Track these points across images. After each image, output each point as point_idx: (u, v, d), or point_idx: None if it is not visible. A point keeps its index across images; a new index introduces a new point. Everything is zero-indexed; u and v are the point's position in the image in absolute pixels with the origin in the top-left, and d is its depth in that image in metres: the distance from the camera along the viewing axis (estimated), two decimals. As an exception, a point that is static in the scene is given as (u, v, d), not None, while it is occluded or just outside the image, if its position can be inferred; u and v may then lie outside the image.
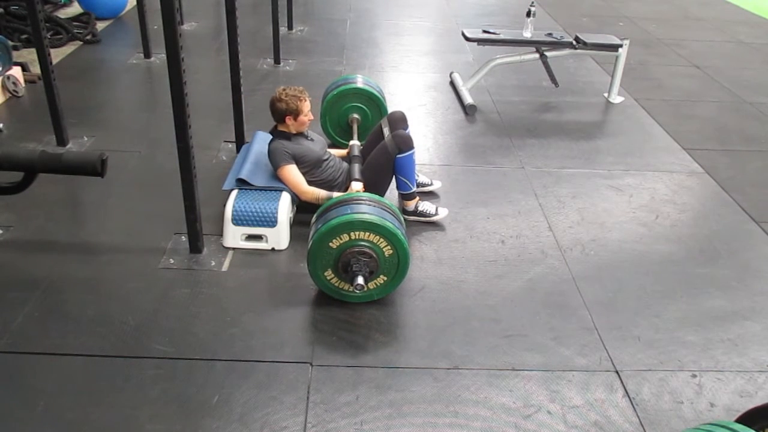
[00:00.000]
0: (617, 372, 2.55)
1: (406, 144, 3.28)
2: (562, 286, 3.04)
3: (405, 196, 3.41)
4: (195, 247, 3.09)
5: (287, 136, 3.30)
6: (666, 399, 2.44)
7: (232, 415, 2.25)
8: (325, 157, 3.38)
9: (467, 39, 5.11)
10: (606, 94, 5.41)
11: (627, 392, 2.46)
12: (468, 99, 5.00)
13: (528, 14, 4.94)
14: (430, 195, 3.74)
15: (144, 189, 3.67)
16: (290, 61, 5.86)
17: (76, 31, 6.05)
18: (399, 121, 3.57)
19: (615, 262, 3.24)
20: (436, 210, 3.45)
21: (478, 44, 5.16)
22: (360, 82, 4.02)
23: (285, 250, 3.17)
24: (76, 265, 2.99)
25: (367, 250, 2.69)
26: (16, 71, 4.79)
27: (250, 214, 3.11)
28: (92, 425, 2.19)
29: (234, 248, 3.15)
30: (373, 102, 4.01)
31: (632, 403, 2.41)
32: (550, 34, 5.11)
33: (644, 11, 8.40)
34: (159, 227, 3.26)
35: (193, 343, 2.56)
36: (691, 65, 6.36)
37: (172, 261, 3.04)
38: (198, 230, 3.06)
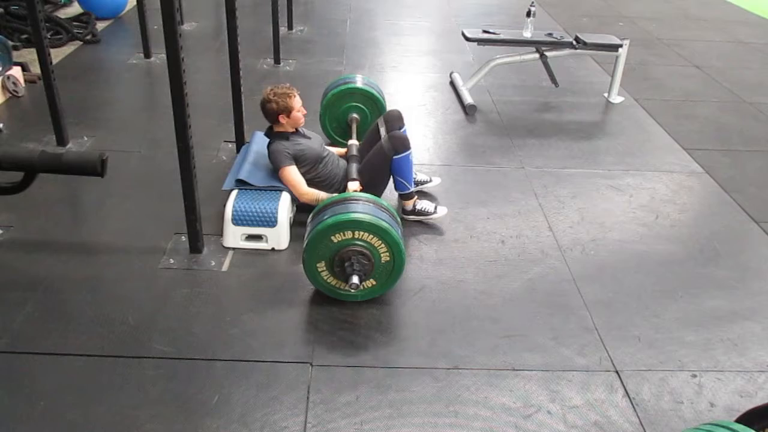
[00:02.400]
0: (617, 372, 2.55)
1: (403, 145, 3.27)
2: (562, 286, 3.04)
3: (403, 197, 3.41)
4: (195, 247, 3.09)
5: (285, 136, 3.30)
6: (666, 399, 2.44)
7: (232, 415, 2.25)
8: (325, 154, 3.38)
9: (467, 39, 5.11)
10: (606, 94, 5.41)
11: (627, 392, 2.46)
12: (468, 99, 5.00)
13: (528, 14, 4.94)
14: (429, 194, 3.74)
15: (144, 189, 3.67)
16: (290, 61, 5.86)
17: (76, 31, 6.05)
18: (395, 119, 3.56)
19: (615, 262, 3.24)
20: (435, 208, 3.45)
21: (478, 44, 5.16)
22: (359, 82, 4.02)
23: (285, 250, 3.17)
24: (76, 265, 2.99)
25: (367, 251, 2.69)
26: (16, 71, 4.79)
27: (250, 214, 3.11)
28: (92, 425, 2.19)
29: (234, 248, 3.15)
30: (373, 102, 4.01)
31: (632, 403, 2.41)
32: (550, 34, 5.11)
33: (644, 11, 8.40)
34: (159, 227, 3.26)
35: (193, 343, 2.56)
36: (691, 65, 6.36)
37: (172, 261, 3.04)
38: (198, 230, 3.06)
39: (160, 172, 3.81)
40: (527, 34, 5.00)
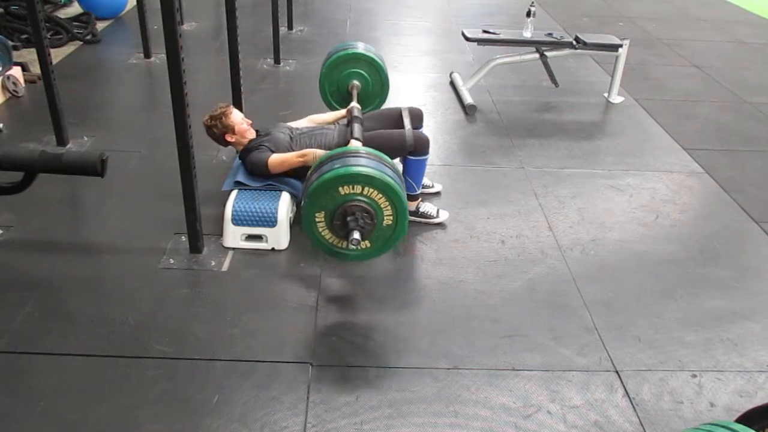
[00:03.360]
0: (617, 372, 2.55)
1: (424, 147, 3.28)
2: (562, 286, 3.04)
3: (408, 197, 3.40)
4: (195, 247, 3.09)
5: (248, 147, 3.33)
6: (666, 399, 2.44)
7: (232, 415, 2.25)
8: (293, 135, 3.38)
9: (467, 39, 5.11)
10: (606, 94, 5.41)
11: (627, 392, 2.46)
12: (468, 99, 5.00)
13: (528, 14, 4.94)
14: (431, 196, 3.74)
15: (144, 189, 3.67)
16: (290, 61, 5.86)
17: (76, 31, 6.05)
18: (417, 118, 3.58)
19: (615, 262, 3.24)
20: (437, 212, 3.45)
21: (478, 44, 5.16)
22: (360, 48, 3.94)
23: (285, 250, 3.17)
24: (76, 265, 2.99)
25: (372, 210, 2.60)
26: (16, 71, 4.79)
27: (250, 214, 3.11)
28: (92, 425, 2.19)
29: (234, 248, 3.15)
30: (374, 68, 3.93)
31: (632, 403, 2.41)
32: (550, 34, 5.11)
33: (644, 11, 8.40)
34: (159, 227, 3.26)
35: (193, 343, 2.56)
36: (691, 65, 6.36)
37: (172, 261, 3.04)
38: (198, 230, 3.06)
39: (160, 172, 3.81)
40: (527, 34, 5.00)
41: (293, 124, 3.61)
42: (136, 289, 2.84)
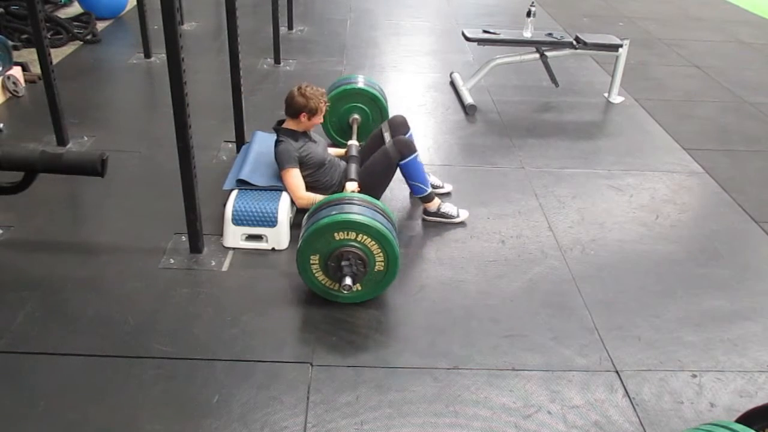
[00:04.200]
0: (617, 372, 2.55)
1: (408, 148, 3.27)
2: (562, 286, 3.04)
3: (423, 199, 3.40)
4: (195, 247, 3.09)
5: (294, 136, 3.28)
6: (666, 399, 2.44)
7: (232, 415, 2.25)
8: (328, 159, 3.38)
9: (467, 39, 5.11)
10: (606, 94, 5.41)
11: (627, 392, 2.46)
12: (468, 99, 5.00)
13: (528, 14, 4.94)
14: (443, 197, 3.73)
15: (144, 189, 3.67)
16: (290, 61, 5.86)
17: (76, 31, 6.05)
18: (400, 125, 3.56)
19: (615, 262, 3.24)
20: (458, 212, 3.45)
21: (478, 44, 5.16)
22: (361, 83, 4.02)
23: (285, 250, 3.17)
24: (76, 265, 2.99)
25: (364, 257, 2.68)
26: (16, 71, 4.79)
27: (251, 214, 3.11)
28: (92, 425, 2.19)
29: (234, 248, 3.15)
30: (374, 103, 4.01)
31: (632, 403, 2.41)
32: (550, 34, 5.11)
33: (644, 11, 8.40)
34: (159, 227, 3.26)
35: (193, 343, 2.56)
36: (691, 65, 6.36)
37: (172, 261, 3.04)
38: (198, 230, 3.06)
39: (160, 172, 3.81)
40: (527, 34, 5.00)
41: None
42: (136, 289, 2.84)
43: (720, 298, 3.02)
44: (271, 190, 3.24)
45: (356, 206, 2.72)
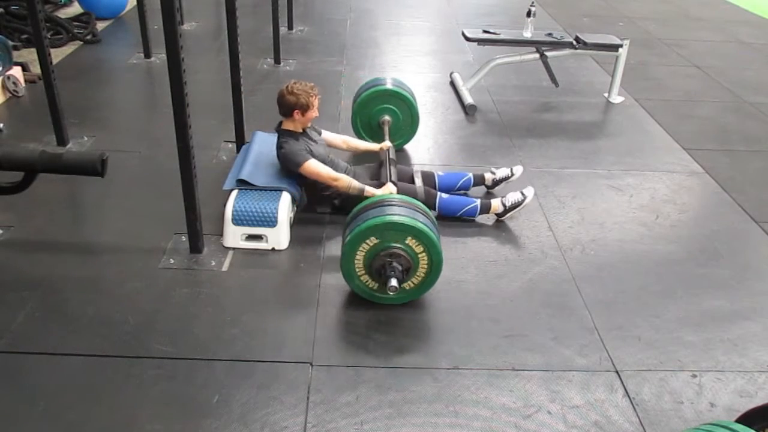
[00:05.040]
0: (617, 372, 2.55)
1: (431, 198, 3.38)
2: (562, 286, 3.04)
3: (484, 211, 3.43)
4: (195, 247, 3.09)
5: (295, 136, 3.28)
6: (666, 399, 2.44)
7: (232, 415, 2.25)
8: (329, 158, 3.38)
9: (467, 39, 5.11)
10: (606, 94, 5.41)
11: (627, 392, 2.46)
12: (468, 99, 5.00)
13: (528, 14, 4.94)
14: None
15: (144, 189, 3.67)
16: (290, 61, 5.86)
17: (76, 31, 6.05)
18: (430, 177, 3.62)
19: (615, 262, 3.24)
20: (522, 194, 3.45)
21: (478, 44, 5.16)
22: (390, 84, 4.08)
23: (285, 250, 3.17)
24: (76, 265, 2.99)
25: (409, 258, 2.69)
26: (16, 71, 4.79)
27: (250, 214, 3.11)
28: (92, 425, 2.19)
29: (234, 248, 3.15)
30: (404, 103, 4.07)
31: (632, 403, 2.41)
32: (550, 34, 5.11)
33: (644, 11, 8.40)
34: (159, 227, 3.26)
35: (193, 343, 2.56)
36: (691, 65, 6.36)
37: (172, 261, 3.04)
38: (198, 230, 3.06)
39: (160, 172, 3.81)
40: (527, 34, 5.00)
41: (327, 136, 3.61)
42: (136, 289, 2.84)
43: (720, 298, 3.02)
44: (271, 190, 3.24)
45: (398, 208, 2.73)
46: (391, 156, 3.53)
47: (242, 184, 3.25)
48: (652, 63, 6.35)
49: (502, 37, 5.06)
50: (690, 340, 2.74)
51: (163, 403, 2.29)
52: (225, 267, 3.02)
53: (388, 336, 2.68)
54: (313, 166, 3.21)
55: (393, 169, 3.39)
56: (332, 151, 3.61)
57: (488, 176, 3.72)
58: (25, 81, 4.88)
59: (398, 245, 2.69)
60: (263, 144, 3.62)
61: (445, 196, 3.42)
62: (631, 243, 3.41)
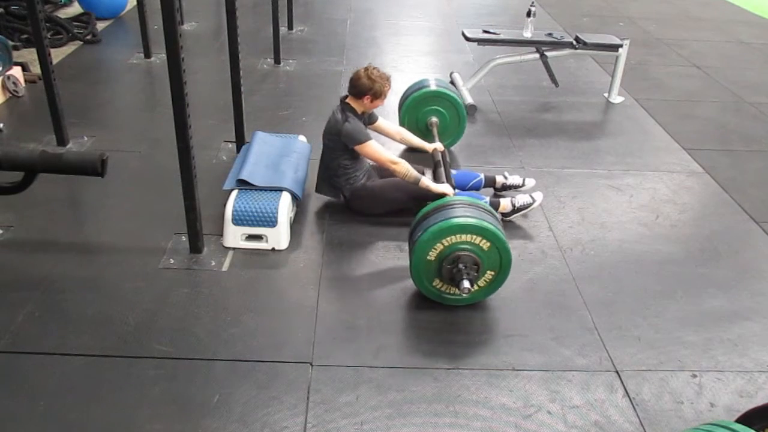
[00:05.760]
0: (617, 372, 2.55)
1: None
2: (562, 286, 3.04)
3: (493, 208, 3.40)
4: (195, 247, 3.09)
5: (358, 116, 3.31)
6: (666, 399, 2.44)
7: (232, 415, 2.25)
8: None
9: (467, 39, 5.11)
10: (606, 94, 5.41)
11: (627, 392, 2.46)
12: (468, 99, 5.00)
13: (528, 14, 4.94)
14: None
15: (144, 189, 3.67)
16: (290, 61, 5.86)
17: (76, 31, 6.05)
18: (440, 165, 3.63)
19: (615, 262, 3.24)
20: (531, 197, 3.48)
21: (478, 44, 5.16)
22: (435, 85, 4.14)
23: (285, 250, 3.17)
24: (76, 265, 2.99)
25: (478, 259, 2.70)
26: (16, 71, 4.79)
27: (251, 214, 3.11)
28: (92, 425, 2.19)
29: (234, 248, 3.15)
30: (451, 104, 4.13)
31: (632, 403, 2.41)
32: (550, 34, 5.11)
33: (644, 11, 8.40)
34: (159, 227, 3.26)
35: (193, 343, 2.56)
36: (691, 65, 6.36)
37: (172, 261, 3.04)
38: (198, 230, 3.06)
39: (160, 172, 3.81)
40: (527, 34, 5.00)
41: (383, 124, 3.63)
42: (136, 289, 2.84)
43: (720, 298, 3.02)
44: (271, 190, 3.24)
45: (464, 209, 2.74)
46: (438, 158, 3.55)
47: (242, 184, 3.25)
48: (652, 63, 6.35)
49: (502, 37, 5.05)
50: (690, 340, 2.74)
51: (163, 403, 2.29)
52: (225, 267, 3.02)
53: (389, 336, 2.67)
54: (374, 147, 3.24)
55: (442, 171, 3.41)
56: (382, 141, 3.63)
57: (499, 179, 3.73)
58: (25, 81, 4.88)
59: (467, 246, 2.70)
60: (263, 144, 3.62)
61: (456, 191, 3.41)
62: (631, 243, 3.41)
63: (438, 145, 3.69)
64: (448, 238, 2.69)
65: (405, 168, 3.22)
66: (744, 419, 1.98)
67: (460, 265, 2.68)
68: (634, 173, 4.15)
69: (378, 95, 3.25)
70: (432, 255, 2.73)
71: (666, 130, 4.82)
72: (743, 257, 3.36)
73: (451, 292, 2.80)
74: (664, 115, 5.07)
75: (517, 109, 5.11)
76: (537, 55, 5.10)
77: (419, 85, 4.18)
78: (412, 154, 3.91)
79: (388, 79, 3.29)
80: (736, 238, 3.53)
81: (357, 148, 3.24)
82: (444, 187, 3.22)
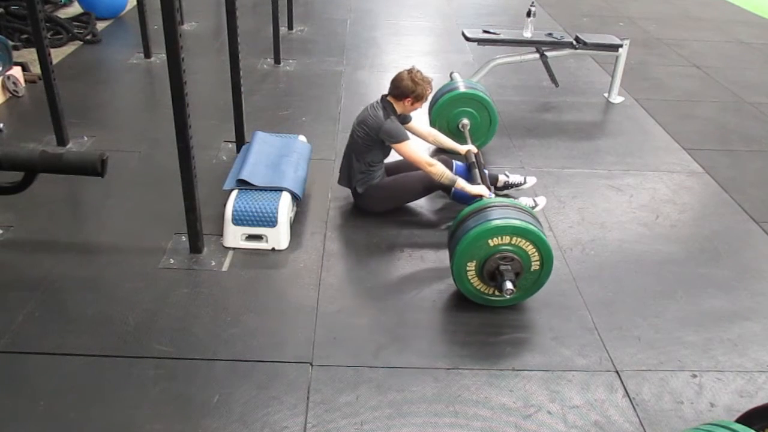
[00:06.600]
0: (617, 372, 2.55)
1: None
2: (562, 286, 3.04)
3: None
4: (195, 247, 3.09)
5: (397, 115, 3.33)
6: (666, 399, 2.44)
7: (232, 415, 2.25)
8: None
9: (467, 39, 5.11)
10: (606, 94, 5.41)
11: (627, 392, 2.46)
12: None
13: (528, 14, 4.94)
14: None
15: (144, 189, 3.67)
16: (290, 61, 5.86)
17: (76, 31, 6.05)
18: (447, 163, 3.62)
19: (615, 262, 3.24)
20: (534, 200, 3.54)
21: (478, 44, 5.16)
22: (464, 87, 4.15)
23: (285, 250, 3.17)
24: (76, 265, 2.99)
25: (520, 259, 2.71)
26: (16, 71, 4.79)
27: (251, 214, 3.11)
28: (93, 425, 2.19)
29: (234, 248, 3.15)
30: (482, 105, 4.15)
31: (632, 403, 2.41)
32: (550, 34, 5.11)
33: (644, 11, 8.40)
34: (159, 227, 3.26)
35: (193, 343, 2.56)
36: (691, 65, 6.36)
37: (172, 261, 3.04)
38: (198, 230, 3.06)
39: (160, 172, 3.81)
40: (527, 34, 5.00)
41: (416, 125, 3.63)
42: (136, 289, 2.84)
43: (720, 298, 3.02)
44: (271, 190, 3.24)
45: (503, 210, 2.76)
46: (472, 160, 3.56)
47: (242, 184, 3.25)
48: (652, 63, 6.35)
49: (502, 37, 5.05)
50: (690, 340, 2.74)
51: (163, 403, 2.29)
52: (225, 267, 3.02)
53: (389, 336, 2.67)
54: (412, 147, 3.26)
55: (476, 172, 3.42)
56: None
57: (501, 177, 3.73)
58: (25, 81, 4.88)
59: (509, 248, 2.70)
60: (263, 144, 3.62)
61: (491, 192, 3.38)
62: (631, 243, 3.41)
63: (471, 147, 3.70)
64: (490, 240, 2.70)
65: (441, 170, 3.22)
66: (744, 419, 1.98)
67: (503, 267, 2.69)
68: (634, 173, 4.15)
69: (419, 98, 3.27)
70: (474, 257, 2.73)
71: (666, 130, 4.82)
72: (743, 257, 3.36)
73: (492, 293, 2.81)
74: (664, 115, 5.07)
75: (517, 109, 5.11)
76: (537, 55, 5.10)
77: (449, 87, 4.19)
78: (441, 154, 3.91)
79: (430, 82, 3.30)
80: (736, 238, 3.53)
81: (396, 146, 3.25)
82: (480, 189, 3.21)
